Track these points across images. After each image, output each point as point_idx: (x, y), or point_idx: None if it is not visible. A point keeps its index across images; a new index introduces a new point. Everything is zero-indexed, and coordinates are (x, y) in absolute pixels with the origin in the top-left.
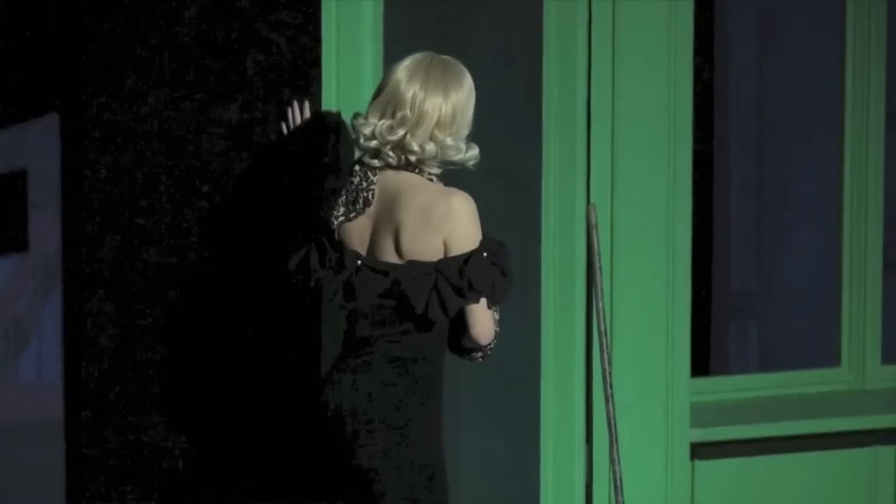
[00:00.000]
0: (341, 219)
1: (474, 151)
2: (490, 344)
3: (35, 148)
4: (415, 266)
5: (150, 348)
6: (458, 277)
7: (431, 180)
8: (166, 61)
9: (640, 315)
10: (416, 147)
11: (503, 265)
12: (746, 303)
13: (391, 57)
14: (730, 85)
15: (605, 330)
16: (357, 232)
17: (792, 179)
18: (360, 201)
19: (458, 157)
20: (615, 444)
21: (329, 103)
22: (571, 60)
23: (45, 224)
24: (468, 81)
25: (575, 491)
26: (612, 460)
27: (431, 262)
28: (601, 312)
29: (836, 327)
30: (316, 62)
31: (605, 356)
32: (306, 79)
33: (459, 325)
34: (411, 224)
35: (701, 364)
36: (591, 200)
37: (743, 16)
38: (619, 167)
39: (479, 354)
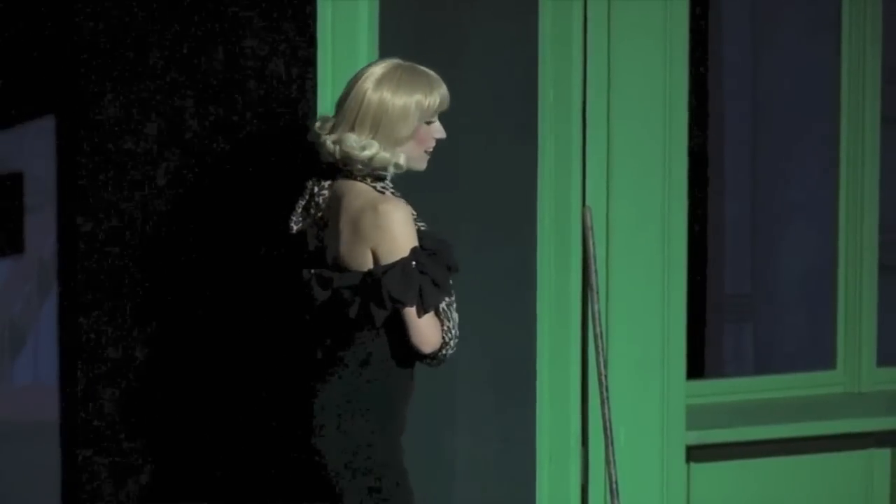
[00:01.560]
0: (300, 224)
1: (383, 154)
2: (442, 350)
3: (31, 150)
4: (350, 276)
5: (147, 350)
6: (379, 288)
7: (374, 187)
8: (162, 63)
9: (636, 317)
10: (320, 140)
11: (434, 273)
12: (742, 305)
13: (387, 54)
14: (724, 87)
15: (601, 332)
16: (312, 239)
17: (786, 181)
18: (313, 207)
19: (363, 155)
20: (611, 447)
21: (324, 106)
22: (567, 63)
23: (40, 226)
24: (418, 91)
25: (570, 493)
26: (607, 462)
27: (362, 272)
28: (596, 315)
29: (831, 330)
30: (311, 64)
31: (601, 358)
32: (301, 81)
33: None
34: (345, 233)
35: (696, 367)
36: (587, 203)
37: (737, 17)
38: (614, 170)
39: (434, 361)
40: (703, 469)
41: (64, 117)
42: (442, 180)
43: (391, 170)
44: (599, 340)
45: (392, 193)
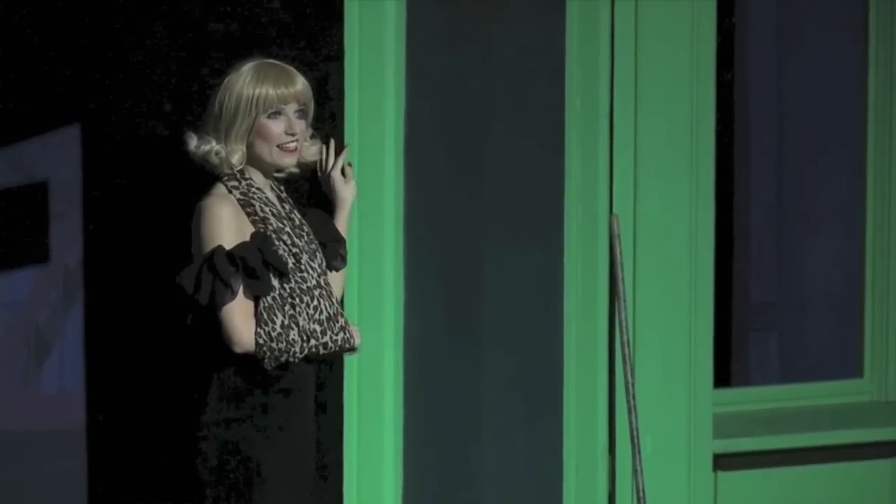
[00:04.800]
0: None
1: (218, 150)
2: (260, 352)
3: (56, 158)
4: None
5: (172, 357)
6: (180, 287)
7: (226, 185)
8: (188, 70)
9: (663, 325)
10: None
11: (224, 273)
12: (768, 313)
13: (413, 64)
14: (750, 94)
15: (628, 340)
16: None
17: (813, 189)
18: None
19: (199, 153)
20: (638, 455)
21: (351, 107)
22: (594, 71)
23: (66, 234)
24: (249, 85)
25: (598, 502)
26: (634, 471)
27: None
28: (624, 323)
29: (858, 338)
30: (339, 67)
31: (628, 367)
32: (328, 83)
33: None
34: None
35: (722, 375)
36: (614, 211)
37: (763, 22)
38: (641, 178)
39: (261, 362)
40: (729, 478)
41: (89, 124)
42: (469, 188)
43: (225, 168)
44: (626, 348)
45: (243, 192)
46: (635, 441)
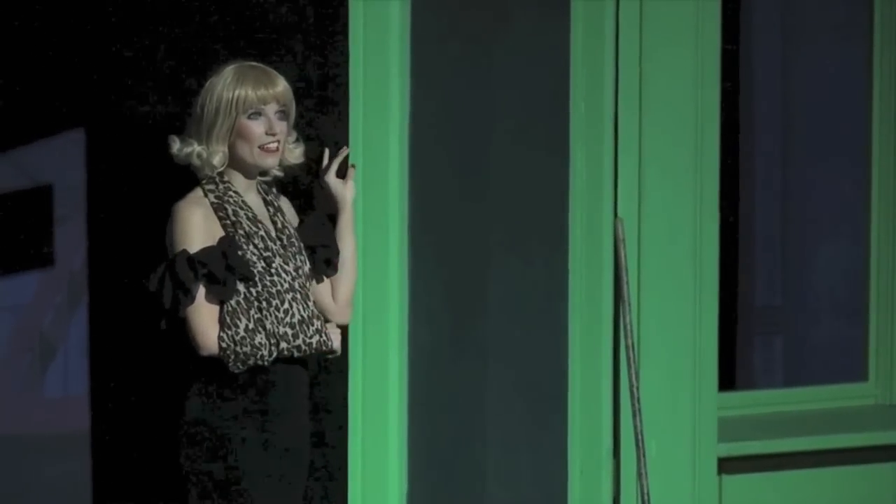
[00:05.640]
0: None
1: (200, 152)
2: (224, 355)
3: (61, 162)
4: None
5: (177, 361)
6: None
7: (203, 188)
8: (193, 74)
9: (668, 329)
10: None
11: (184, 277)
12: (773, 317)
13: (418, 68)
14: (755, 97)
15: (633, 344)
16: None
17: (818, 192)
18: None
19: (181, 155)
20: (643, 459)
21: (356, 111)
22: (598, 75)
23: (70, 238)
24: (228, 87)
25: None
26: (639, 475)
27: None
28: (628, 326)
29: (863, 341)
30: (344, 71)
31: (633, 370)
32: (333, 86)
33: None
34: None
35: (727, 378)
36: (619, 215)
37: (768, 27)
38: (646, 182)
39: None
40: (734, 481)
41: (93, 128)
42: (473, 192)
43: (207, 170)
44: (631, 352)
45: (218, 196)
46: (640, 444)
